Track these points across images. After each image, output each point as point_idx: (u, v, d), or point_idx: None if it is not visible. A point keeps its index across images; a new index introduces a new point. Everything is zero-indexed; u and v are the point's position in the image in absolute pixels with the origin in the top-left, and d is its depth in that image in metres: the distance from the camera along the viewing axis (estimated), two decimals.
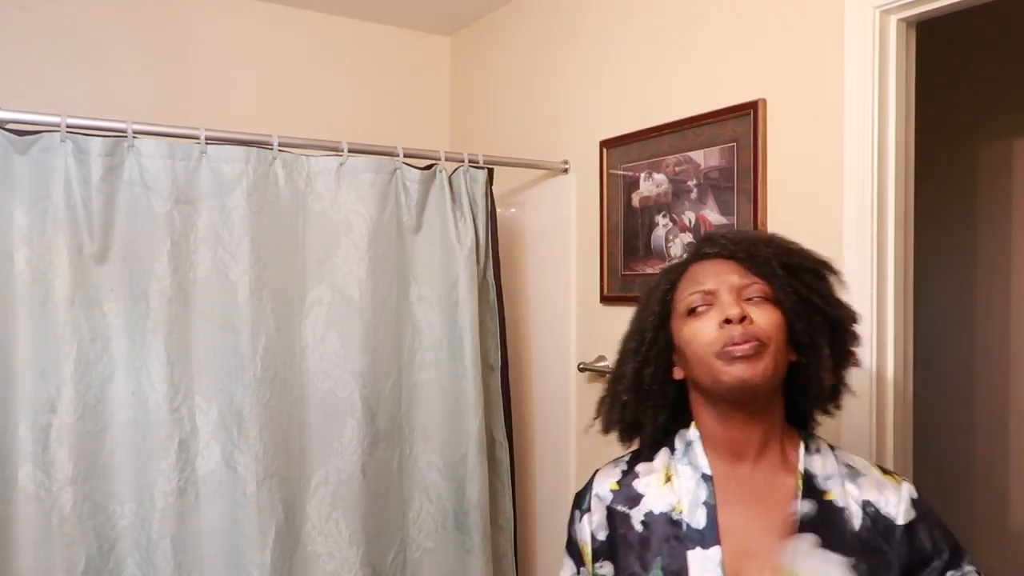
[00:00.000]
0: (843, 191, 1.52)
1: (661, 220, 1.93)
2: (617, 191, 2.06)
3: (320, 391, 1.87)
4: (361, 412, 1.89)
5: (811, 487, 1.00)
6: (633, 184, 2.01)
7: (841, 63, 1.53)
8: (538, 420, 2.37)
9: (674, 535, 0.99)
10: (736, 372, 0.95)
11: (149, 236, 1.69)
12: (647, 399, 1.08)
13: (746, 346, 0.95)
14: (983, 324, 2.41)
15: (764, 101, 1.68)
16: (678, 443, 1.08)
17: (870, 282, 1.48)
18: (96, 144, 1.63)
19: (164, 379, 1.69)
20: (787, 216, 1.63)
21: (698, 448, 1.04)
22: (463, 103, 2.80)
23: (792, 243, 1.07)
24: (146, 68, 2.31)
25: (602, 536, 1.06)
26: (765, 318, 0.97)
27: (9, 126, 1.58)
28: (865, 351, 1.48)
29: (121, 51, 2.28)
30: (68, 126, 1.59)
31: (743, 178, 1.71)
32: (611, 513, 1.06)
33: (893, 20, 1.49)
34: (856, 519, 0.98)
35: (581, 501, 1.11)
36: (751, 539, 0.97)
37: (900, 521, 0.99)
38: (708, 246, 1.07)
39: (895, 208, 1.50)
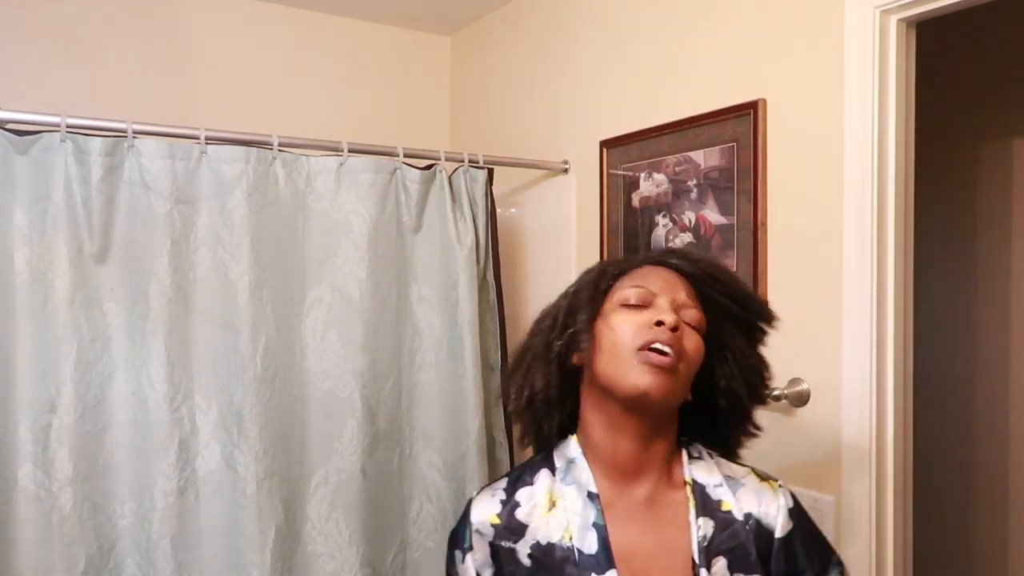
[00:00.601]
0: (843, 191, 1.52)
1: (661, 220, 1.93)
2: (617, 191, 2.06)
3: (320, 391, 1.87)
4: (361, 412, 1.89)
5: (704, 501, 0.96)
6: (633, 184, 2.01)
7: (841, 63, 1.53)
8: None
9: (565, 563, 0.92)
10: (644, 378, 0.91)
11: (149, 236, 1.69)
12: (552, 381, 1.01)
13: (665, 358, 0.91)
14: (983, 324, 2.41)
15: (764, 101, 1.68)
16: (558, 461, 1.01)
17: (870, 282, 1.47)
18: (96, 144, 1.63)
19: (164, 379, 1.69)
20: (787, 216, 1.63)
21: (582, 464, 0.98)
22: (463, 103, 2.80)
23: (741, 287, 1.06)
24: (146, 68, 2.31)
25: (487, 574, 0.98)
26: (691, 343, 0.96)
27: (9, 126, 1.58)
28: (865, 351, 1.48)
29: (121, 51, 2.28)
30: (68, 126, 1.59)
31: (743, 178, 1.71)
32: (495, 550, 0.97)
33: (893, 20, 1.49)
34: (741, 533, 0.94)
35: (460, 540, 1.01)
36: (651, 566, 0.92)
37: (778, 534, 0.95)
38: (669, 256, 1.05)
39: (895, 208, 1.49)
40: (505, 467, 2.13)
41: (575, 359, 1.02)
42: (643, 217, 1.98)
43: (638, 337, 0.93)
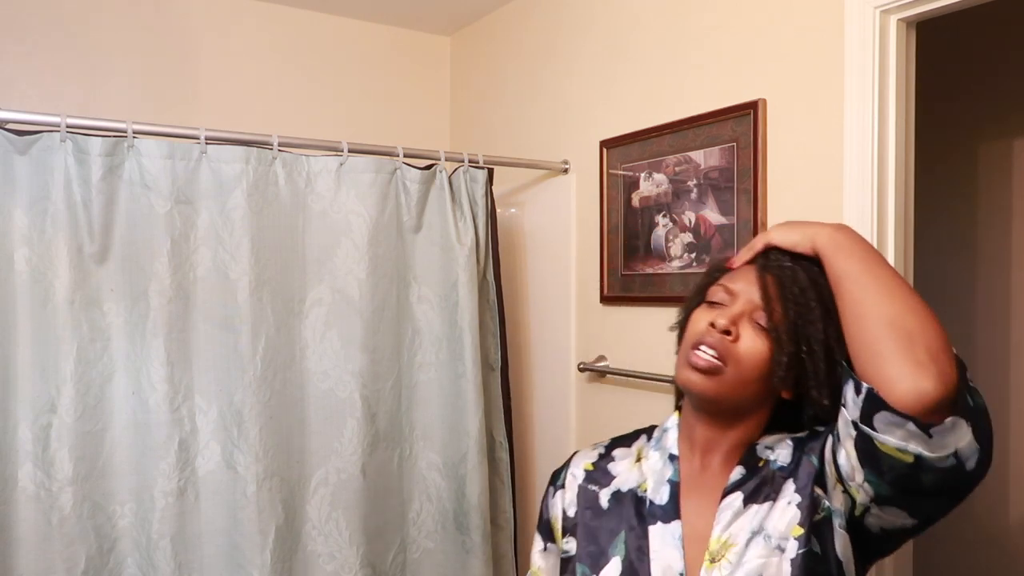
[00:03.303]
0: (843, 191, 1.52)
1: (661, 220, 1.93)
2: (617, 191, 2.06)
3: (320, 391, 1.87)
4: (361, 412, 1.89)
5: (749, 457, 1.01)
6: (633, 184, 2.01)
7: (841, 63, 1.53)
8: (538, 420, 2.37)
9: (637, 511, 1.02)
10: (687, 375, 0.98)
11: (149, 236, 1.69)
12: None
13: (701, 360, 0.96)
14: (983, 323, 2.41)
15: (764, 101, 1.68)
16: (657, 432, 1.11)
17: None
18: (96, 144, 1.63)
19: (164, 379, 1.69)
20: (787, 216, 1.63)
21: (673, 434, 1.07)
22: (463, 103, 2.80)
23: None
24: (146, 68, 2.31)
25: (572, 512, 1.09)
26: (750, 346, 0.97)
27: (9, 126, 1.58)
28: None
29: (121, 51, 2.28)
30: (68, 126, 1.59)
31: (743, 178, 1.71)
32: (583, 491, 1.09)
33: (893, 20, 1.49)
34: (785, 457, 0.99)
35: (557, 478, 1.15)
36: (698, 522, 0.99)
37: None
38: (767, 259, 1.03)
39: (895, 208, 1.50)
40: (505, 467, 2.14)
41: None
42: (643, 217, 1.98)
43: (692, 338, 0.99)
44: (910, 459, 0.82)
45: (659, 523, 1.00)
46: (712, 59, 1.81)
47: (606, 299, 2.11)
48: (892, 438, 0.83)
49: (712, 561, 0.95)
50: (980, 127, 2.39)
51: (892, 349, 0.84)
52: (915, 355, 0.83)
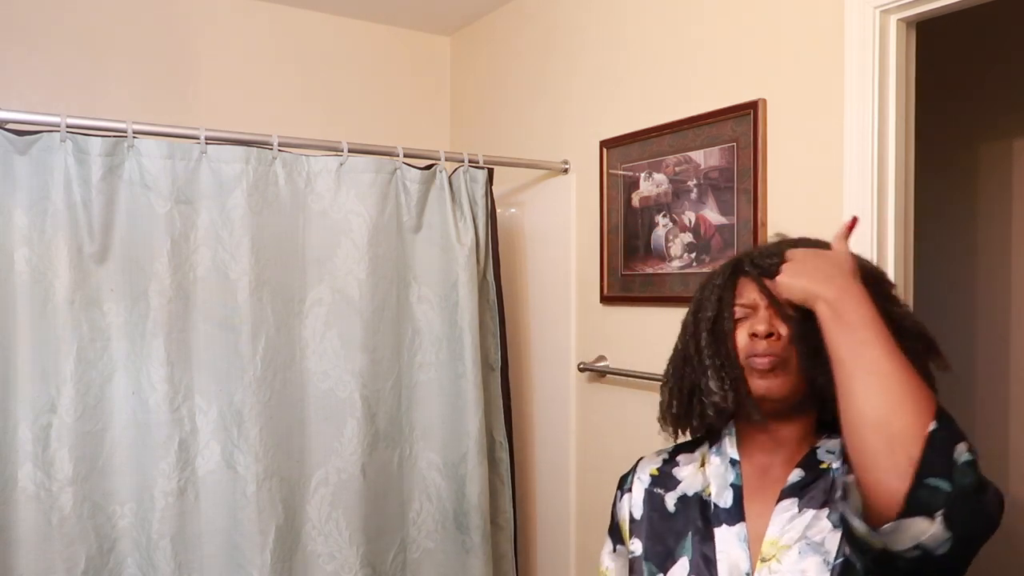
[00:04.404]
0: (843, 191, 1.52)
1: (661, 220, 1.93)
2: (617, 191, 2.06)
3: (320, 391, 1.87)
4: (361, 412, 1.89)
5: (810, 459, 1.03)
6: (633, 184, 2.01)
7: (841, 63, 1.53)
8: (538, 420, 2.37)
9: (703, 514, 1.05)
10: (762, 384, 1.00)
11: (149, 236, 1.69)
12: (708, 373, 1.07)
13: (765, 360, 0.99)
14: (983, 324, 2.41)
15: (764, 101, 1.68)
16: (717, 439, 1.13)
17: None
18: (96, 144, 1.63)
19: (164, 379, 1.69)
20: (787, 216, 1.63)
21: (732, 439, 1.09)
22: (463, 103, 2.80)
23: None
24: (146, 68, 2.31)
25: (638, 515, 1.13)
26: (791, 337, 1.00)
27: (9, 126, 1.58)
28: None
29: (121, 51, 2.28)
30: (68, 126, 1.59)
31: (743, 178, 1.71)
32: (649, 495, 1.13)
33: (893, 20, 1.49)
34: (823, 477, 1.00)
35: (624, 483, 1.18)
36: (759, 522, 1.02)
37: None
38: (755, 266, 1.06)
39: (895, 208, 1.50)
40: (505, 467, 2.14)
41: None
42: (643, 217, 1.98)
43: (745, 351, 1.02)
44: (880, 545, 0.82)
45: (724, 525, 1.03)
46: (712, 59, 1.81)
47: (606, 299, 2.11)
48: (859, 526, 0.84)
49: (763, 561, 0.98)
50: (980, 127, 2.39)
51: (872, 457, 0.83)
52: (894, 461, 0.81)
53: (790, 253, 1.01)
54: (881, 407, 0.84)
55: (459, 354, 2.01)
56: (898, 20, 1.49)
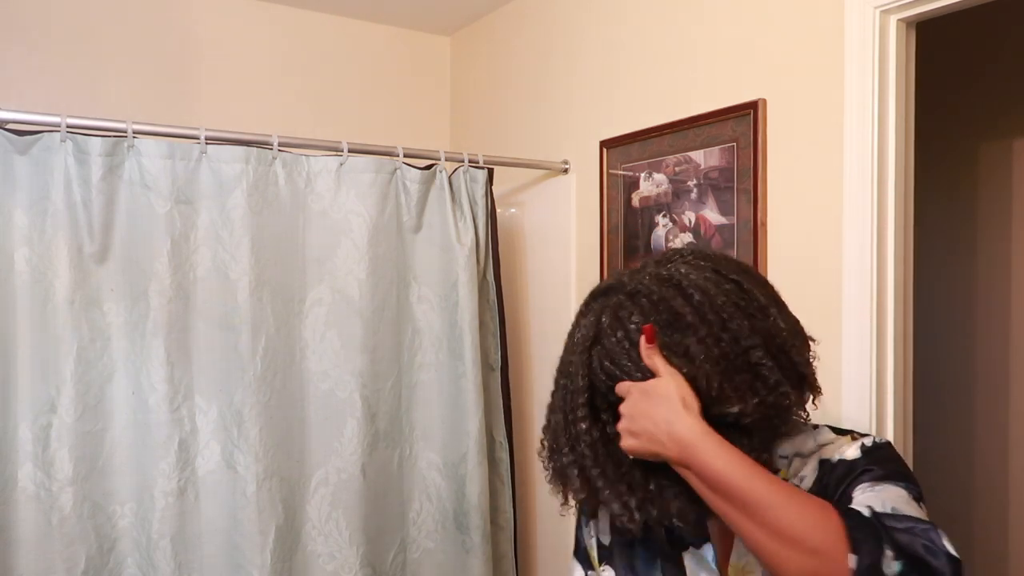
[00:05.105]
0: (843, 191, 1.52)
1: (661, 220, 1.93)
2: (617, 191, 2.06)
3: (320, 391, 1.87)
4: (361, 412, 1.89)
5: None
6: (633, 184, 2.01)
7: (841, 63, 1.53)
8: (538, 420, 2.36)
9: (668, 537, 1.03)
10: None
11: (149, 236, 1.69)
12: None
13: None
14: (983, 324, 2.41)
15: (764, 101, 1.68)
16: None
17: (870, 282, 1.47)
18: (96, 144, 1.63)
19: (164, 379, 1.69)
20: (787, 216, 1.64)
21: None
22: (463, 103, 2.80)
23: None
24: (146, 68, 2.31)
25: (607, 541, 1.11)
26: None
27: (9, 126, 1.58)
28: (865, 351, 1.48)
29: (121, 51, 2.28)
30: (68, 126, 1.60)
31: (743, 178, 1.71)
32: (614, 520, 1.07)
33: (893, 20, 1.49)
34: (809, 480, 0.95)
35: (586, 507, 1.15)
36: (725, 541, 1.00)
37: (848, 458, 0.94)
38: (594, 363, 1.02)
39: (895, 208, 1.49)
40: (505, 467, 2.14)
41: None
42: (643, 217, 1.98)
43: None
44: None
45: (691, 548, 1.01)
46: (712, 59, 1.81)
47: None
48: None
49: None
50: (980, 127, 2.39)
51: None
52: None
53: (620, 390, 0.93)
54: (781, 551, 0.79)
55: (459, 354, 2.01)
56: (898, 20, 1.49)
